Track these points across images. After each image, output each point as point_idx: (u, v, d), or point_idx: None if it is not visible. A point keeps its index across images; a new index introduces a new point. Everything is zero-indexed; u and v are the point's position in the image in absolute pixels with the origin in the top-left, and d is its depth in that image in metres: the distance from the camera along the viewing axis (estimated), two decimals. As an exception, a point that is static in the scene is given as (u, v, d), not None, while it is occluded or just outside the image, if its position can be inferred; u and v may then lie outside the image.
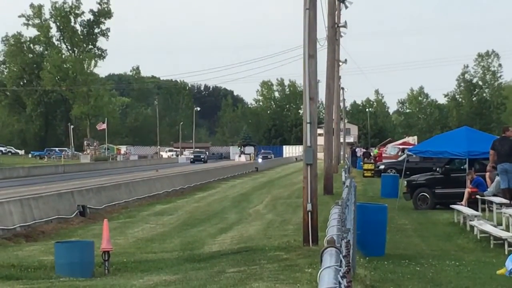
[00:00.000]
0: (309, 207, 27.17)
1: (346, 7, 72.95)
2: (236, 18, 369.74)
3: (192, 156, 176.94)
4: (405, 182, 48.04)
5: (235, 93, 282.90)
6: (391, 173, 61.28)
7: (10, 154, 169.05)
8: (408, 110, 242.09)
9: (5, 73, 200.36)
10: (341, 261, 4.11)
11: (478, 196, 34.97)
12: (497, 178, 32.09)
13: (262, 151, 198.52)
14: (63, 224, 41.04)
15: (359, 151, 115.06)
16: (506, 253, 24.12)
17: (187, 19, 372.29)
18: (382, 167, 73.34)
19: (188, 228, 39.77)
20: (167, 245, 32.89)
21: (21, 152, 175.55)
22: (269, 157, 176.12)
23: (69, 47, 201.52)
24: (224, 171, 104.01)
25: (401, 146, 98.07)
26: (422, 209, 43.86)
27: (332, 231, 6.15)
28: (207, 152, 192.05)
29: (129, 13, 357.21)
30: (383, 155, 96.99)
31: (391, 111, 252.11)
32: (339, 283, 3.35)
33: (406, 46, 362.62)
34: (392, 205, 37.66)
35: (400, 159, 73.00)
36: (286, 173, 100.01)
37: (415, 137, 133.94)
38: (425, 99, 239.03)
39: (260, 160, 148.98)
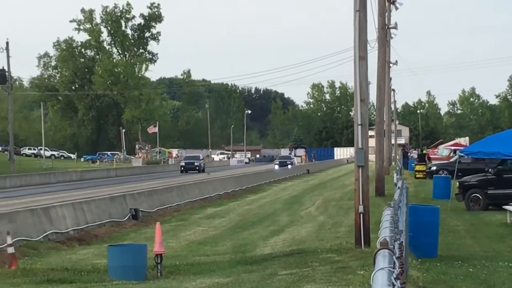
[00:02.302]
0: (360, 209, 27.11)
1: (397, 8, 72.74)
2: (287, 20, 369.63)
3: (183, 164, 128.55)
4: (457, 183, 47.79)
5: (285, 96, 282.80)
6: (443, 175, 60.99)
7: (62, 158, 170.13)
8: (459, 111, 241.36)
9: (57, 78, 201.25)
10: (394, 262, 4.10)
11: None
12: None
13: (280, 155, 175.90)
14: (116, 227, 41.21)
15: (413, 153, 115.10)
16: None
17: (237, 23, 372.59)
18: (434, 168, 73.05)
19: (240, 231, 39.78)
20: (219, 248, 32.92)
21: (74, 156, 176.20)
22: (288, 163, 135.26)
23: (120, 51, 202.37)
24: (275, 174, 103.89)
25: (452, 148, 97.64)
26: (474, 210, 43.63)
27: (385, 232, 6.14)
28: (202, 157, 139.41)
29: (179, 16, 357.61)
30: (434, 156, 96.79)
31: (442, 112, 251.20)
32: (393, 284, 3.35)
33: (458, 46, 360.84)
34: (444, 206, 37.42)
35: (452, 160, 72.70)
36: (337, 175, 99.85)
37: (467, 138, 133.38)
38: (476, 100, 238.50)
39: (276, 167, 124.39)
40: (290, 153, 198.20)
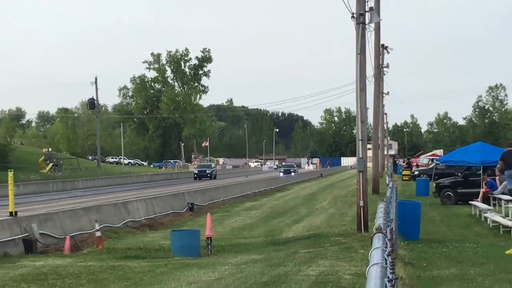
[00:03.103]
0: (361, 203, 27.08)
1: (388, 52, 72.78)
2: (307, 61, 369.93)
3: (196, 172, 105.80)
4: (434, 184, 47.83)
5: (304, 118, 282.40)
6: (423, 177, 60.75)
7: (137, 165, 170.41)
8: (435, 130, 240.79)
9: (133, 105, 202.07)
10: (386, 243, 4.13)
11: (490, 195, 34.81)
12: (504, 182, 31.93)
13: (284, 164, 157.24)
14: (177, 217, 41.29)
15: (401, 161, 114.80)
16: (512, 237, 23.88)
17: (269, 62, 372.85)
18: (416, 173, 73.03)
19: (270, 220, 39.76)
20: (254, 233, 32.90)
21: (145, 163, 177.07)
22: (291, 171, 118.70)
23: (180, 85, 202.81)
24: (297, 177, 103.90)
25: (430, 157, 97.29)
26: (447, 204, 43.62)
27: (379, 221, 6.17)
28: (214, 166, 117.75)
29: (226, 55, 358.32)
30: (418, 163, 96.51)
31: (423, 130, 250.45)
32: (385, 259, 3.37)
33: (434, 80, 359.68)
34: (424, 201, 37.39)
35: (430, 166, 72.40)
36: (343, 178, 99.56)
37: (442, 150, 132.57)
38: (448, 122, 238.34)
39: (281, 175, 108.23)
40: (308, 162, 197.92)
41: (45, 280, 19.62)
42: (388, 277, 2.73)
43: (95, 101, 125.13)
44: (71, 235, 28.31)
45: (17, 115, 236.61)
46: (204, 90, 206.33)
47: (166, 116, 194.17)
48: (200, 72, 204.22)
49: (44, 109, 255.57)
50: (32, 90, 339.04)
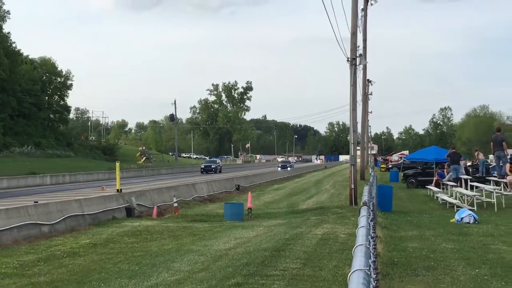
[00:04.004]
0: (352, 186, 27.01)
1: (371, 84, 72.27)
2: (316, 89, 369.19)
3: (203, 166, 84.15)
4: (402, 174, 47.62)
5: (314, 128, 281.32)
6: (395, 169, 60.42)
7: (202, 159, 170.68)
8: (403, 137, 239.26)
9: (199, 118, 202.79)
10: (369, 212, 4.14)
11: (440, 182, 34.57)
12: (450, 173, 31.71)
13: (281, 160, 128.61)
14: (228, 194, 41.37)
15: (380, 158, 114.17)
16: (455, 211, 23.65)
17: (292, 89, 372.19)
18: (390, 166, 72.64)
19: (290, 197, 39.71)
20: (280, 205, 32.88)
21: (207, 158, 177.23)
22: (288, 166, 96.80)
23: (231, 105, 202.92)
24: (308, 168, 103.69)
25: (400, 155, 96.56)
26: (411, 188, 43.29)
27: (365, 197, 6.17)
28: (219, 162, 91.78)
29: (262, 84, 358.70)
30: (391, 160, 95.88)
31: (394, 137, 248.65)
32: (369, 224, 3.39)
33: (404, 102, 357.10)
34: (395, 186, 37.15)
35: (399, 162, 71.98)
36: (340, 169, 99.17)
37: (407, 151, 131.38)
38: (412, 131, 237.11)
39: (279, 169, 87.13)
40: (316, 158, 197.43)
41: (140, 235, 19.77)
42: (371, 235, 2.75)
43: (174, 116, 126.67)
44: (157, 205, 28.50)
45: (122, 124, 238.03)
46: (247, 109, 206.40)
47: (221, 126, 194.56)
48: (245, 97, 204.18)
49: (140, 121, 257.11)
50: (133, 107, 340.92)
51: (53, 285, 11.89)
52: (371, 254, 2.13)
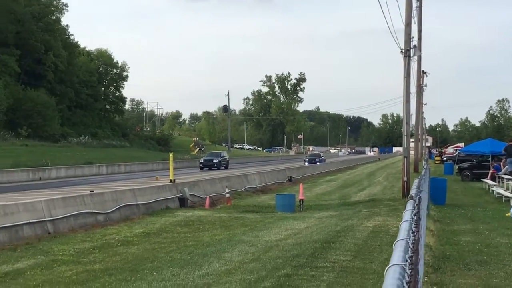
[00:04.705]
0: (405, 179, 26.76)
1: (426, 75, 71.13)
2: (370, 80, 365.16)
3: (202, 160, 63.15)
4: (457, 166, 46.95)
5: (368, 120, 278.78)
6: (449, 162, 59.51)
7: (254, 150, 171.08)
8: (459, 129, 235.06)
9: (252, 109, 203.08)
10: (415, 206, 4.13)
11: (496, 175, 33.96)
12: (506, 166, 31.16)
13: (309, 152, 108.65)
14: (280, 185, 41.41)
15: (434, 151, 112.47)
16: (511, 204, 23.23)
17: (345, 80, 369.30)
18: (445, 158, 71.62)
19: (342, 188, 39.55)
20: (332, 197, 32.80)
21: (260, 149, 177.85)
22: (317, 160, 78.11)
23: (284, 97, 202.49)
24: (362, 160, 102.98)
25: (455, 148, 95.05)
26: (465, 181, 42.69)
27: (413, 191, 6.14)
28: (223, 155, 66.43)
29: (315, 76, 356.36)
30: (446, 152, 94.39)
31: (450, 129, 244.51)
32: (412, 218, 3.38)
33: (460, 93, 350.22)
34: (449, 179, 36.65)
35: (454, 154, 70.81)
36: (394, 161, 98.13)
37: (463, 143, 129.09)
38: (468, 124, 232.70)
39: (306, 164, 71.21)
40: (370, 150, 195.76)
41: (192, 225, 20.01)
42: (412, 230, 2.75)
43: (228, 107, 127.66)
44: (210, 195, 28.74)
45: (176, 115, 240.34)
46: (300, 100, 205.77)
47: (275, 117, 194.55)
48: (298, 88, 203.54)
49: (194, 112, 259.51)
50: (187, 98, 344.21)
51: (108, 273, 12.15)
52: (409, 249, 2.14)
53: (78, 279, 11.66)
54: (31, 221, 17.42)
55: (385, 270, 1.92)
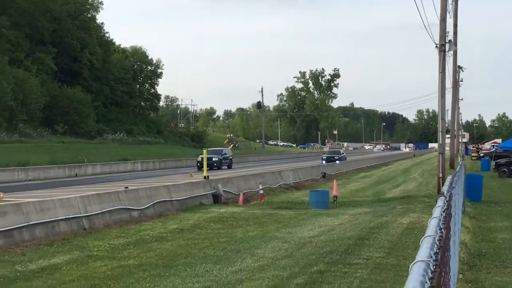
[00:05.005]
0: (440, 175, 26.44)
1: (463, 71, 70.29)
2: (405, 76, 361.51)
3: (199, 159, 50.28)
4: (494, 163, 46.33)
5: (403, 116, 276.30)
6: (486, 158, 58.79)
7: (288, 146, 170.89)
8: (496, 125, 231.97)
9: (286, 106, 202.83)
10: (445, 203, 4.10)
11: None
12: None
13: (328, 150, 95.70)
14: (314, 182, 41.31)
15: (471, 147, 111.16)
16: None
17: (380, 77, 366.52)
18: (481, 154, 70.72)
19: (377, 185, 39.31)
20: (366, 193, 32.64)
21: (294, 145, 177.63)
22: (335, 158, 67.52)
23: (318, 93, 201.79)
24: (397, 156, 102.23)
25: (492, 144, 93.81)
26: (503, 177, 42.04)
27: (445, 188, 6.10)
28: (225, 153, 57.67)
29: (349, 72, 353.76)
30: (483, 148, 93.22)
31: (487, 125, 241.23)
32: (441, 214, 3.36)
33: (498, 88, 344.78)
34: (486, 175, 36.15)
35: (491, 150, 69.88)
36: (429, 157, 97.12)
37: (500, 139, 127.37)
38: (506, 119, 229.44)
39: (323, 163, 61.69)
40: (405, 146, 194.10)
41: (226, 221, 20.09)
42: (440, 227, 2.74)
43: (261, 103, 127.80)
44: (243, 192, 28.81)
45: (210, 112, 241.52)
46: (334, 96, 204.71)
47: (308, 113, 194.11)
48: (332, 84, 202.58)
49: (228, 108, 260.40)
50: (221, 95, 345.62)
51: (142, 268, 12.28)
52: (435, 246, 2.14)
53: (112, 274, 11.81)
54: (67, 217, 17.67)
55: (410, 266, 1.93)
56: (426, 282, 1.64)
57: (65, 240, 16.09)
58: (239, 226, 18.75)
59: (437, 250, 2.05)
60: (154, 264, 12.71)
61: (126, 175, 46.36)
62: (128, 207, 20.79)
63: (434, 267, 1.82)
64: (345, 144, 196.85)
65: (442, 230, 2.70)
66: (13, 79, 65.59)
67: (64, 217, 17.54)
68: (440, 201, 4.16)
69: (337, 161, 62.15)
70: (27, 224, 16.07)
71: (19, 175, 41.18)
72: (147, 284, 10.73)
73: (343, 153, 73.21)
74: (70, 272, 12.10)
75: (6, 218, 15.54)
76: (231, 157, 58.03)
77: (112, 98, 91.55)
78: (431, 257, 1.87)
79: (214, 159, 52.77)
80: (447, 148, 37.09)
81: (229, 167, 55.42)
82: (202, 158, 49.21)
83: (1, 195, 25.28)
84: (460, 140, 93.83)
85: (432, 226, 2.88)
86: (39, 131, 68.14)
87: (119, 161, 56.21)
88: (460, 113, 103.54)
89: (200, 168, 49.62)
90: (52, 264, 12.96)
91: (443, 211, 3.56)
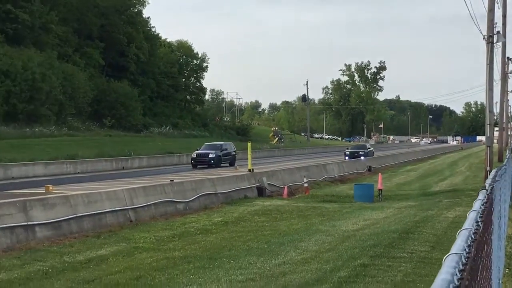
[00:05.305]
0: (488, 168, 26.09)
1: (512, 62, 68.89)
2: (452, 68, 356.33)
3: (194, 155, 46.74)
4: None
5: (451, 108, 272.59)
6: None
7: (333, 139, 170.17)
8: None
9: (332, 99, 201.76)
10: (486, 196, 4.06)
11: None
12: None
13: (353, 145, 76.37)
14: (359, 175, 41.10)
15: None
16: None
17: (426, 69, 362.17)
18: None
19: (423, 178, 38.91)
20: (411, 187, 32.34)
21: (339, 138, 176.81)
22: (360, 154, 56.18)
23: (363, 85, 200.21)
24: (444, 149, 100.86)
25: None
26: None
27: (488, 181, 6.02)
28: (225, 148, 49.15)
29: (395, 65, 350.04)
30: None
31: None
32: (480, 207, 3.32)
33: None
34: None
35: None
36: (477, 151, 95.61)
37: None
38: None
39: (346, 159, 53.02)
40: (453, 139, 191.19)
41: (270, 214, 20.16)
42: (477, 220, 2.72)
43: (306, 96, 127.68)
44: (288, 185, 28.84)
45: (256, 105, 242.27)
46: (380, 89, 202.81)
47: (354, 106, 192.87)
48: (378, 77, 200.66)
49: (273, 101, 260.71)
50: (266, 88, 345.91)
51: (186, 260, 12.42)
52: (470, 239, 2.13)
53: (158, 265, 11.98)
54: (113, 209, 17.96)
55: (443, 259, 1.93)
56: (456, 274, 1.65)
57: (112, 232, 16.36)
58: (283, 219, 18.79)
59: (471, 243, 2.05)
60: (198, 256, 12.84)
61: (172, 168, 46.81)
62: (173, 199, 21.02)
63: (466, 259, 1.82)
64: (391, 137, 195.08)
65: (479, 223, 2.69)
66: (62, 73, 66.78)
67: (110, 209, 17.83)
68: (481, 195, 4.12)
69: (362, 157, 52.43)
70: (75, 216, 16.40)
71: (68, 168, 41.97)
72: (191, 276, 10.86)
73: (369, 148, 62.62)
74: (116, 264, 12.31)
75: (55, 210, 15.88)
76: (233, 153, 50.01)
77: (158, 92, 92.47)
78: (465, 250, 1.88)
79: (210, 155, 46.10)
80: (495, 141, 36.48)
81: (231, 164, 47.52)
82: (196, 155, 46.31)
83: (50, 188, 25.84)
84: (509, 133, 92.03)
85: (470, 219, 2.87)
86: (87, 124, 69.26)
87: (164, 154, 56.79)
88: (510, 106, 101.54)
89: (194, 166, 45.41)
90: (99, 256, 13.20)
91: (482, 205, 3.53)
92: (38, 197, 16.46)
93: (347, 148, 63.10)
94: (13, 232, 14.36)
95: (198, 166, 45.56)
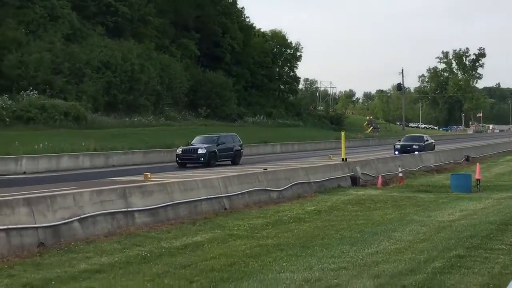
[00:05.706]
0: None
1: None
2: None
3: (179, 152, 36.47)
4: None
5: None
6: None
7: (430, 128, 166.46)
8: None
9: (428, 87, 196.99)
10: None
11: None
12: None
13: (405, 137, 51.98)
14: (456, 165, 40.01)
15: None
16: None
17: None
18: None
19: (525, 169, 37.55)
20: (512, 177, 31.28)
21: (436, 127, 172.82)
22: (414, 148, 44.12)
23: (461, 73, 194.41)
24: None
25: None
26: None
27: None
28: (222, 141, 38.10)
29: (496, 48, 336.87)
30: None
31: None
32: None
33: None
34: None
35: None
36: None
37: None
38: None
39: (396, 153, 42.63)
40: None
41: (363, 203, 20.02)
42: None
43: (401, 85, 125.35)
44: (382, 175, 28.53)
45: (350, 94, 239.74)
46: (479, 77, 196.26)
47: (451, 95, 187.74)
48: (477, 64, 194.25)
49: (367, 90, 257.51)
50: (360, 77, 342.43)
51: (279, 248, 12.54)
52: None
53: (251, 253, 12.15)
54: (208, 197, 18.32)
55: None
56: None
57: (207, 219, 16.70)
58: (377, 209, 18.62)
59: None
60: (291, 244, 12.93)
61: (266, 157, 47.19)
62: (267, 188, 21.22)
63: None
64: (491, 126, 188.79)
65: None
66: (159, 64, 68.53)
67: (206, 197, 18.20)
68: None
69: (416, 152, 41.74)
70: (171, 203, 16.84)
71: (165, 156, 43.10)
72: (284, 263, 10.96)
73: (427, 140, 48.82)
74: (211, 250, 12.57)
75: (153, 197, 16.37)
76: (238, 148, 40.50)
77: (253, 81, 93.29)
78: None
79: (200, 151, 36.60)
80: None
81: (234, 162, 39.35)
82: (182, 150, 37.02)
83: (149, 175, 26.64)
84: None
85: None
86: (183, 114, 70.81)
87: (259, 143, 57.29)
88: None
89: (182, 164, 36.41)
90: (194, 242, 13.52)
91: None
92: (137, 185, 17.02)
93: (398, 141, 49.87)
94: (114, 217, 14.91)
95: (188, 165, 36.50)
